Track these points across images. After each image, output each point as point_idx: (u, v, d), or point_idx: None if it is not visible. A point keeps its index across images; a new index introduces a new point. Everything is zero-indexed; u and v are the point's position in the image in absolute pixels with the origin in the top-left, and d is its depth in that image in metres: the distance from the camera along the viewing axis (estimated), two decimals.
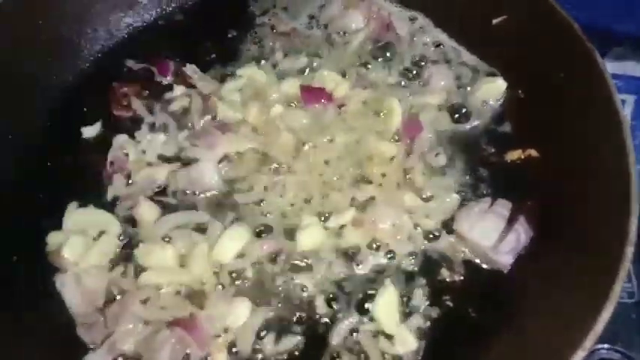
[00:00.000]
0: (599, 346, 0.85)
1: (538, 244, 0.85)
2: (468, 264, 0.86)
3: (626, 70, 1.06)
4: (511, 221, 0.86)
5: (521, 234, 0.85)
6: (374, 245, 0.87)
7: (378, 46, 1.10)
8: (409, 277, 0.85)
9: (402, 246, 0.87)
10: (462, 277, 0.85)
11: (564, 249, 0.82)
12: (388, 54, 1.09)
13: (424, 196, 0.92)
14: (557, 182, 0.88)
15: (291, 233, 0.88)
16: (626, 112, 0.99)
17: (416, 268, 0.86)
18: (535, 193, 0.89)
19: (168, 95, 1.05)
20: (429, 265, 0.86)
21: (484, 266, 0.86)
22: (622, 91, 0.97)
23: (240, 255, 0.86)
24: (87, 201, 0.92)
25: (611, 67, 0.95)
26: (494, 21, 1.05)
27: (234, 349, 0.79)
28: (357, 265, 0.86)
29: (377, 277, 0.85)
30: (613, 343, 0.86)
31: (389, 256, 0.87)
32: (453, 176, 0.95)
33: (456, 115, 1.01)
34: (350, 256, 0.87)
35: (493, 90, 1.02)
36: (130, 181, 0.95)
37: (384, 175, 0.94)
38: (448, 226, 0.89)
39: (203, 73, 1.07)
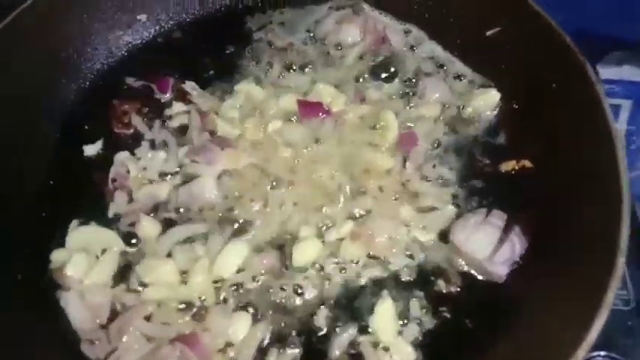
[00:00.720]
0: (596, 353, 0.87)
1: (533, 254, 0.87)
2: (464, 275, 0.88)
3: (622, 75, 1.08)
4: (506, 232, 0.88)
5: (516, 244, 0.87)
6: (371, 258, 0.90)
7: (375, 59, 1.13)
8: (406, 289, 0.87)
9: (398, 258, 0.89)
10: (458, 288, 0.87)
11: (558, 259, 0.84)
12: (385, 67, 1.12)
13: (420, 208, 0.94)
14: (551, 193, 0.90)
15: (289, 248, 0.90)
16: (623, 117, 1.00)
17: (412, 280, 0.88)
18: (530, 204, 0.91)
19: (167, 112, 1.08)
20: (426, 276, 0.88)
21: (480, 277, 0.88)
22: (618, 96, 0.98)
23: (241, 269, 0.89)
24: (89, 218, 0.95)
25: (608, 72, 0.97)
26: (488, 33, 1.07)
27: None
28: (355, 277, 0.88)
29: (374, 289, 0.87)
30: (609, 350, 0.87)
31: (386, 268, 0.89)
32: (449, 188, 0.97)
33: (451, 127, 1.04)
34: (348, 268, 0.89)
35: (487, 101, 1.04)
36: (132, 198, 0.97)
37: (380, 188, 0.96)
38: (444, 237, 0.91)
39: (202, 90, 1.10)
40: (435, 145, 1.01)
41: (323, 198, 0.96)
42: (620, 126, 0.94)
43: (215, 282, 0.88)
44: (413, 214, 0.93)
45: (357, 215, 0.94)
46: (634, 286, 0.94)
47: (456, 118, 1.05)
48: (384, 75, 1.11)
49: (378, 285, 0.87)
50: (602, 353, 0.87)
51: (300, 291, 0.87)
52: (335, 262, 0.90)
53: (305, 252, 0.89)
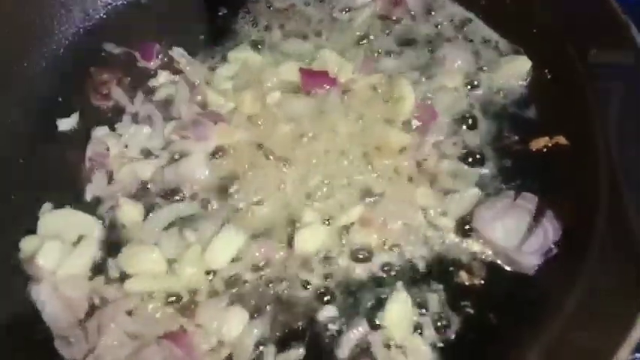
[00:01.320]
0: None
1: (567, 243, 0.85)
2: (489, 266, 0.86)
3: (614, 59, 1.05)
4: (537, 217, 0.85)
5: (549, 232, 0.85)
6: (384, 246, 0.87)
7: (388, 23, 1.10)
8: (423, 281, 0.85)
9: (415, 247, 0.87)
10: (482, 281, 0.84)
11: (596, 250, 0.81)
12: (399, 32, 1.09)
13: (439, 191, 0.91)
14: (588, 173, 0.88)
15: (291, 234, 0.88)
16: (614, 101, 0.98)
17: (430, 271, 0.86)
18: (564, 185, 0.89)
19: (152, 82, 1.06)
20: (446, 267, 0.86)
21: (507, 268, 0.85)
22: (610, 80, 0.94)
23: (236, 259, 0.87)
24: (63, 202, 0.93)
25: (599, 56, 0.94)
26: None
27: None
28: (363, 267, 0.86)
29: (387, 280, 0.85)
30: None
31: (400, 257, 0.87)
32: (472, 168, 0.94)
33: (475, 99, 1.01)
34: (358, 257, 0.87)
35: (516, 70, 1.02)
36: (112, 179, 0.96)
37: (394, 168, 0.94)
38: (466, 223, 0.88)
39: (191, 57, 1.07)
40: (457, 119, 0.98)
41: (328, 179, 0.93)
42: (612, 111, 0.92)
43: (207, 273, 0.86)
44: (431, 198, 0.91)
45: (368, 199, 0.91)
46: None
47: (480, 88, 1.02)
48: (398, 41, 1.08)
49: (391, 277, 0.85)
50: None
51: (303, 283, 0.85)
52: (343, 250, 0.87)
53: (309, 239, 0.87)
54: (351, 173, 0.94)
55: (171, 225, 0.90)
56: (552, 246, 0.85)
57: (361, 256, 0.87)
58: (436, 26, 1.09)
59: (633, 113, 0.85)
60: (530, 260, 0.84)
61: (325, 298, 0.84)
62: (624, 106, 0.86)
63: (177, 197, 0.94)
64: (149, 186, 0.95)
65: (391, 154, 0.95)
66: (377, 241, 0.88)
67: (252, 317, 0.82)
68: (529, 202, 0.87)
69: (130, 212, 0.91)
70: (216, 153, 0.97)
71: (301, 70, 1.02)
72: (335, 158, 0.95)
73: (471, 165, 0.94)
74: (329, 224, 0.89)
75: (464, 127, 0.98)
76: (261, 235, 0.89)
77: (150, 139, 0.99)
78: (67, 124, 1.03)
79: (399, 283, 0.84)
